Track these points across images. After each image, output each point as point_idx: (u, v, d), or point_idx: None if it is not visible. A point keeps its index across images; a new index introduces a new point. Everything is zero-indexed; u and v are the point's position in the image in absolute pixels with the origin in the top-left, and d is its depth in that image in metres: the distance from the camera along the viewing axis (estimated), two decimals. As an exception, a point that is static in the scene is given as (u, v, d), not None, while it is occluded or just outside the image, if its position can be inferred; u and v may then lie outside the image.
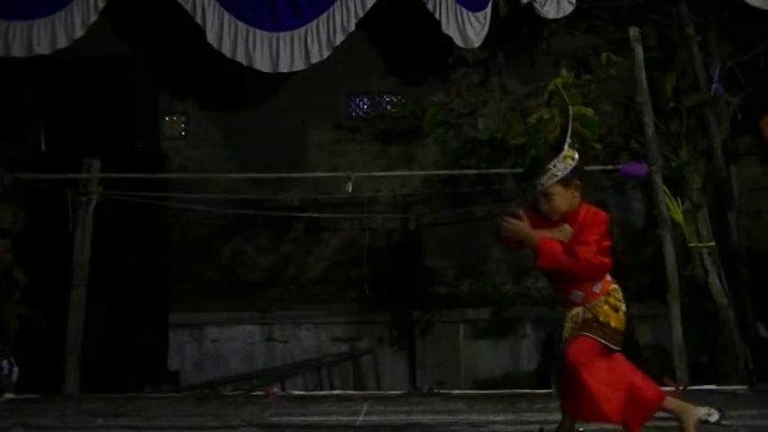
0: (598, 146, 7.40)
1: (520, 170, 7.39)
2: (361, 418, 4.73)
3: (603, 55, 7.41)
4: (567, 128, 3.94)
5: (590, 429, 4.25)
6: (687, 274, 7.39)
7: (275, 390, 7.23)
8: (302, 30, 7.16)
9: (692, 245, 7.32)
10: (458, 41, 7.18)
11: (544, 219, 3.99)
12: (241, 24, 7.16)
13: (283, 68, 7.19)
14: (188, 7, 7.12)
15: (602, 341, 3.92)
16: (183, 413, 5.71)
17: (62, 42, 6.98)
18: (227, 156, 8.57)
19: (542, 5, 7.08)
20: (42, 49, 6.98)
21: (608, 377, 3.92)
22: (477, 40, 7.18)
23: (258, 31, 7.17)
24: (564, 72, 7.35)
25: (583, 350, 3.91)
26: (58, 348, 6.83)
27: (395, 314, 8.19)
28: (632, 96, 7.36)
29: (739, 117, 7.66)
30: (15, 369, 6.64)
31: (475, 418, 5.09)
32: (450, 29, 7.11)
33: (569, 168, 3.92)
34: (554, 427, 4.12)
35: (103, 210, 7.04)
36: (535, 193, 3.94)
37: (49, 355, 7.03)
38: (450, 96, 8.19)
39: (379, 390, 7.81)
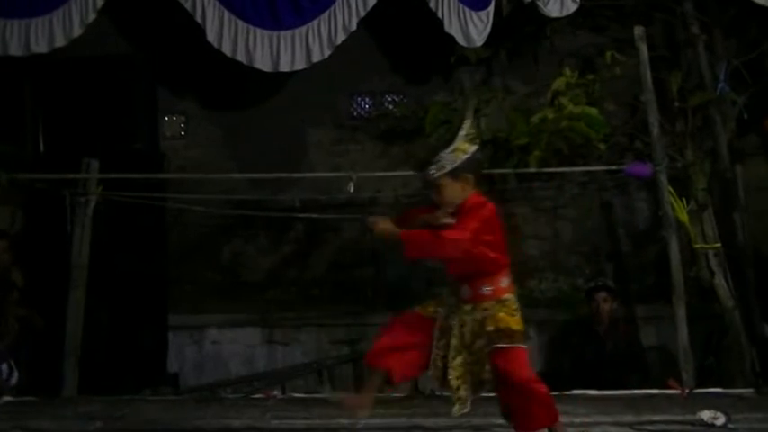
0: (602, 146, 7.38)
1: (523, 170, 7.42)
2: (362, 421, 4.71)
3: (608, 54, 7.37)
4: (461, 121, 4.06)
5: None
6: (692, 276, 7.33)
7: (276, 392, 7.15)
8: (303, 29, 7.09)
9: (697, 246, 7.24)
10: (460, 40, 7.11)
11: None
12: (241, 23, 7.09)
13: (284, 68, 7.13)
14: (188, 6, 7.06)
15: (524, 347, 4.07)
16: (182, 416, 5.70)
17: (60, 41, 6.91)
18: (226, 156, 8.53)
19: (546, 4, 7.02)
20: (40, 47, 6.91)
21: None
22: (479, 39, 7.11)
23: (259, 30, 7.11)
24: (567, 71, 7.35)
25: (522, 363, 4.04)
26: (57, 350, 6.78)
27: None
28: (637, 96, 7.32)
29: (745, 116, 7.58)
30: (15, 373, 6.62)
31: (477, 421, 5.03)
32: (452, 28, 7.05)
33: (459, 161, 4.01)
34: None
35: (102, 210, 7.00)
36: (426, 183, 4.06)
37: (47, 356, 7.00)
38: (453, 96, 8.09)
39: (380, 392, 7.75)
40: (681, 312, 6.52)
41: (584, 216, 8.24)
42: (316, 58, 7.10)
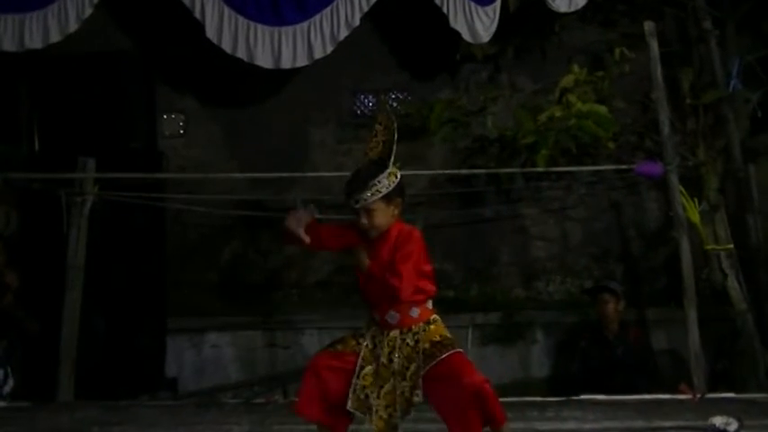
0: (612, 144, 7.33)
1: (531, 170, 7.34)
2: (365, 425, 4.61)
3: (617, 50, 7.34)
4: (393, 144, 4.03)
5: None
6: (704, 278, 7.25)
7: (277, 397, 7.17)
8: (305, 24, 7.01)
9: (709, 247, 7.16)
10: (466, 36, 7.02)
11: (360, 235, 4.10)
12: (242, 19, 7.01)
13: (286, 64, 7.05)
14: (186, 1, 6.97)
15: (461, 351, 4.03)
16: (181, 421, 5.68)
17: (55, 36, 6.81)
18: (227, 155, 8.45)
19: (554, -1, 6.96)
20: (34, 43, 6.81)
21: None
22: (485, 35, 7.01)
23: (260, 26, 7.02)
24: (576, 68, 7.28)
25: (470, 364, 4.01)
26: (52, 354, 6.71)
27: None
28: (647, 93, 7.22)
29: (759, 114, 7.51)
30: (10, 381, 6.59)
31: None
32: (457, 23, 6.95)
33: (393, 185, 4.01)
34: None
35: (99, 211, 6.93)
36: (356, 208, 4.02)
37: (42, 360, 6.91)
38: (458, 93, 8.02)
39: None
40: (692, 315, 6.43)
41: (592, 217, 8.19)
42: (318, 54, 7.01)
